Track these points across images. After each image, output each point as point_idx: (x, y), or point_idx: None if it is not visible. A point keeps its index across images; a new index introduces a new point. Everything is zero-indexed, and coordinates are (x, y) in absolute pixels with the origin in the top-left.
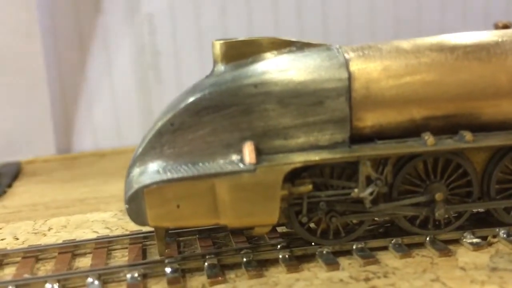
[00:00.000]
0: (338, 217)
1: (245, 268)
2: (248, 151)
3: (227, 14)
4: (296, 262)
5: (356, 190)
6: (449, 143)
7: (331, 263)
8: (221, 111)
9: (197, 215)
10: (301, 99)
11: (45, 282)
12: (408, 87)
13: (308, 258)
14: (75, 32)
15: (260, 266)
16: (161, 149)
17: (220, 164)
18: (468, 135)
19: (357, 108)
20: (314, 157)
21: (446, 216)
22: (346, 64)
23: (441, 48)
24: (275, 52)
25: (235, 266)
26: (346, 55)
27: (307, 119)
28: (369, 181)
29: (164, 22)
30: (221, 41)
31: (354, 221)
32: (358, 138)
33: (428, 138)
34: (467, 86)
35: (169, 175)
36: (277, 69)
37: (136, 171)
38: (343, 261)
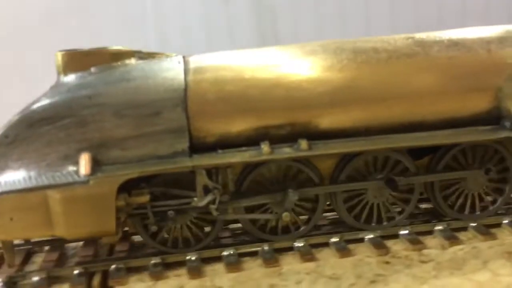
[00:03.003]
0: (188, 225)
1: None
2: (84, 163)
3: (346, 5)
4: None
5: (195, 199)
6: (285, 152)
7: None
8: (56, 123)
9: (31, 227)
10: (137, 110)
11: None
12: (244, 97)
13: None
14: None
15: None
16: None
17: (55, 176)
18: (303, 144)
19: (194, 118)
20: (149, 168)
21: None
22: (184, 74)
23: (282, 57)
24: (117, 62)
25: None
26: (187, 66)
27: (144, 130)
28: (208, 190)
29: (286, 12)
30: (63, 52)
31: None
32: (203, 147)
33: (264, 147)
34: (301, 95)
35: (1, 188)
36: (113, 80)
37: None
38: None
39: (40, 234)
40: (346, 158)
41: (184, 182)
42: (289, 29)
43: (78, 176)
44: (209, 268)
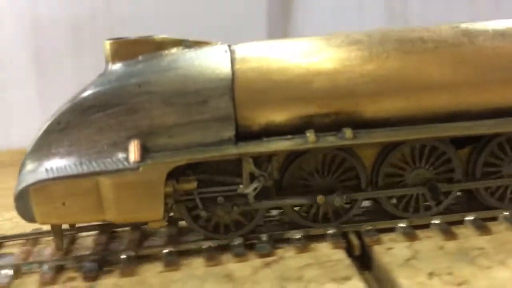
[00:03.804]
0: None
1: None
2: (133, 150)
3: None
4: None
5: (241, 186)
6: (330, 141)
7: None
8: (106, 111)
9: (82, 212)
10: (185, 98)
11: None
12: (289, 86)
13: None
14: None
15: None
16: (49, 148)
17: (106, 162)
18: (348, 132)
19: (241, 106)
20: (197, 155)
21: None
22: (231, 63)
23: (327, 47)
24: (164, 51)
25: None
26: (233, 55)
27: (192, 118)
28: (253, 177)
29: None
30: (111, 41)
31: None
32: (248, 135)
33: (310, 136)
34: (346, 84)
35: (54, 173)
36: (162, 68)
37: (27, 168)
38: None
39: (91, 219)
40: (388, 147)
41: (228, 170)
42: (418, 9)
43: (128, 162)
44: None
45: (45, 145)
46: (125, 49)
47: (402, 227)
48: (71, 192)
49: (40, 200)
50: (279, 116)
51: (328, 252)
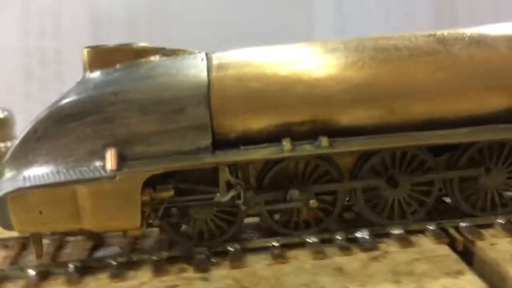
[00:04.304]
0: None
1: None
2: (110, 158)
3: None
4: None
5: (218, 194)
6: (306, 149)
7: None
8: (83, 119)
9: (59, 221)
10: (162, 106)
11: None
12: (266, 94)
13: None
14: None
15: None
16: (26, 156)
17: (82, 170)
18: (324, 141)
19: (217, 114)
20: (173, 164)
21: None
22: (207, 71)
23: (305, 55)
24: (142, 59)
25: None
26: (210, 62)
27: (169, 126)
28: (230, 185)
29: None
30: (88, 48)
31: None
32: (225, 143)
33: (286, 144)
34: (323, 92)
35: (31, 182)
36: (139, 76)
37: (5, 176)
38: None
39: (68, 227)
40: (365, 155)
41: (206, 177)
42: (467, 10)
43: (105, 171)
44: None
45: (22, 153)
46: (103, 57)
47: (500, 223)
48: (48, 200)
49: (18, 208)
50: (256, 124)
51: (432, 247)
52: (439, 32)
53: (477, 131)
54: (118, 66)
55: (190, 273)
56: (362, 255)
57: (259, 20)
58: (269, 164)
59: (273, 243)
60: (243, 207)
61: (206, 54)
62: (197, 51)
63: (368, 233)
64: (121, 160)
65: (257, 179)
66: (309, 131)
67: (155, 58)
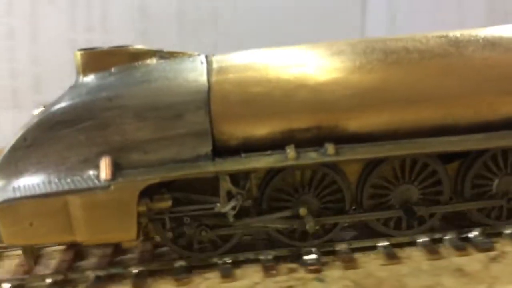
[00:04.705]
0: (207, 231)
1: None
2: (104, 167)
3: None
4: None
5: (218, 204)
6: (311, 157)
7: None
8: (76, 126)
9: (51, 233)
10: (159, 112)
11: None
12: (269, 99)
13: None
14: None
15: None
16: (16, 165)
17: (75, 180)
18: (330, 148)
19: (218, 120)
20: (171, 173)
21: (317, 227)
22: (207, 75)
23: (309, 57)
24: (138, 62)
25: None
26: (210, 66)
27: (166, 133)
28: (231, 195)
29: None
30: (82, 51)
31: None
32: (226, 150)
33: (290, 152)
34: (329, 97)
35: (21, 193)
36: (134, 81)
37: None
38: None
39: (61, 240)
40: (373, 163)
41: (206, 186)
42: None
43: (99, 180)
44: None
45: (12, 162)
46: (97, 60)
47: None
48: (39, 212)
49: (7, 220)
50: (258, 131)
51: None
52: (451, 33)
53: (491, 137)
54: (113, 69)
55: (302, 273)
56: (480, 256)
57: (309, 14)
58: (272, 172)
59: (383, 243)
60: (232, 219)
61: (206, 57)
62: (196, 53)
63: (480, 233)
64: (116, 168)
65: (259, 189)
66: (314, 138)
67: (151, 61)
